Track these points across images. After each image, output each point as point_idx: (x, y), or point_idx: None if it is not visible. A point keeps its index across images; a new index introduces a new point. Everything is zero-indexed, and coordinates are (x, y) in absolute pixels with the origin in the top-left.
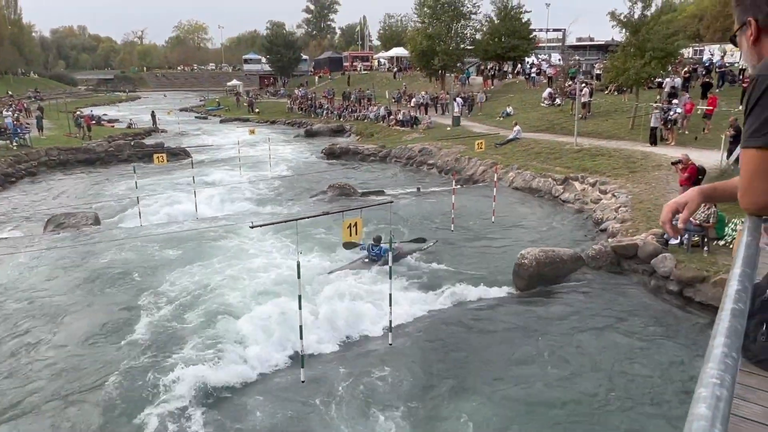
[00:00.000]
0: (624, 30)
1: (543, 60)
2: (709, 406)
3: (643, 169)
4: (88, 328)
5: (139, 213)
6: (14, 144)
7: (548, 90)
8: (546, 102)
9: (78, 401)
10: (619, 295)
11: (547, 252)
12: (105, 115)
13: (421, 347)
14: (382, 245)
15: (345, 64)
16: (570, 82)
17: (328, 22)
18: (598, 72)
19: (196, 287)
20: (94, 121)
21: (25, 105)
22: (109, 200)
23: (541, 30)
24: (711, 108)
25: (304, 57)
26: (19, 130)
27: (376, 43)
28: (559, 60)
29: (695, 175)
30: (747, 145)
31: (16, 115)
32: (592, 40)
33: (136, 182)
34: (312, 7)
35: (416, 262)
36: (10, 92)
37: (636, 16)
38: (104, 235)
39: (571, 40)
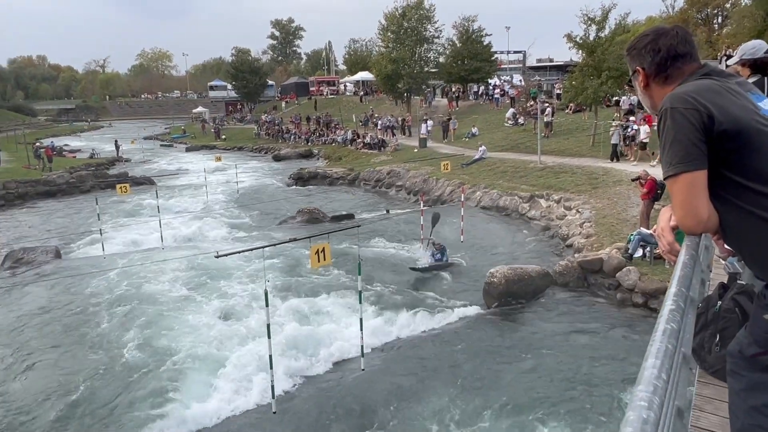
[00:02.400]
0: (580, 51)
1: (505, 81)
2: (635, 429)
3: (605, 185)
4: (47, 364)
5: (102, 245)
6: None
7: (511, 110)
8: (509, 122)
9: None
10: (587, 309)
11: (515, 269)
12: (66, 145)
13: (393, 371)
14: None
15: (311, 89)
16: (532, 102)
17: (294, 48)
18: (558, 92)
19: (162, 319)
20: (54, 152)
21: None
22: (71, 233)
23: (502, 52)
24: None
25: (270, 83)
26: None
27: (342, 67)
28: (521, 81)
29: (654, 189)
30: (678, 171)
31: None
32: (551, 60)
33: (98, 214)
34: (277, 33)
35: (386, 285)
36: None
37: (591, 38)
38: (65, 269)
39: (531, 62)
